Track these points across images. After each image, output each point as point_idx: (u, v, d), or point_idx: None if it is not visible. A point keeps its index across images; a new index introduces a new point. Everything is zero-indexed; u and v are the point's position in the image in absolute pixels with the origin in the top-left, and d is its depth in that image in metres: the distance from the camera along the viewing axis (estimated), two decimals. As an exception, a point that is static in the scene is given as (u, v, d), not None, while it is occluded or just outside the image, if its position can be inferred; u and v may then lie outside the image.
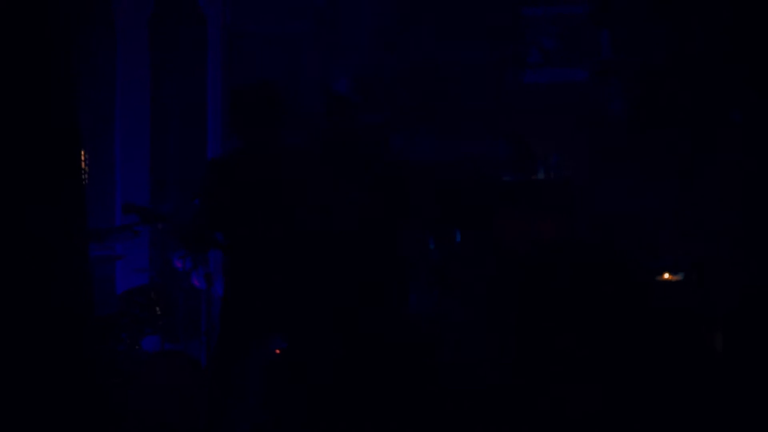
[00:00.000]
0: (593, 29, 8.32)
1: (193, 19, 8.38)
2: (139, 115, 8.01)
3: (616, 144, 7.82)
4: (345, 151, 6.19)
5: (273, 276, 5.23)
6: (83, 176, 3.53)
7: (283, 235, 5.20)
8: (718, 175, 7.57)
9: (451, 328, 6.18)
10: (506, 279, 5.72)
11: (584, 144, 8.00)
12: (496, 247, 6.03)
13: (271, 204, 5.20)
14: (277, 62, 8.47)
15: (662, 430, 4.44)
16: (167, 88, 8.22)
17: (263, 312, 5.25)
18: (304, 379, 5.45)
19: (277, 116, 5.28)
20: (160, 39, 8.18)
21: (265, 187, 5.22)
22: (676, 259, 7.05)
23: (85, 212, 3.46)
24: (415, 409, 5.07)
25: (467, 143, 7.68)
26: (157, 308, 6.33)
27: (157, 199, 7.86)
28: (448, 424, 5.01)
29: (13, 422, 3.11)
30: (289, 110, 5.33)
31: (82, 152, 3.51)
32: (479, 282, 6.05)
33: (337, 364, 5.39)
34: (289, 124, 5.33)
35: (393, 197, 6.02)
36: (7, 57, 3.13)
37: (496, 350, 5.53)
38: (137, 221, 6.45)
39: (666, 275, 6.95)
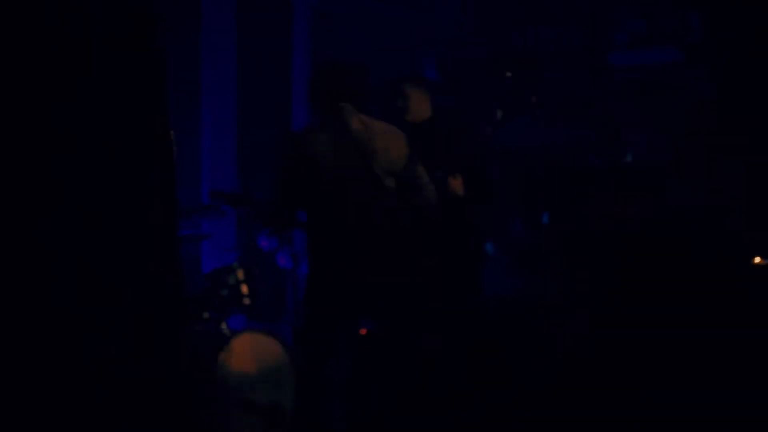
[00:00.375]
0: (683, 10, 8.21)
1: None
2: (226, 94, 8.04)
3: (706, 127, 7.71)
4: (430, 129, 6.17)
5: (354, 255, 5.17)
6: (173, 155, 3.54)
7: (365, 213, 5.13)
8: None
9: (536, 309, 6.15)
10: (594, 261, 5.67)
11: (673, 127, 7.90)
12: (585, 230, 5.98)
13: (350, 181, 5.11)
14: (363, 44, 8.47)
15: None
16: (253, 67, 8.25)
17: (346, 292, 5.20)
18: (391, 360, 5.42)
19: (354, 94, 5.19)
20: (246, 20, 8.20)
21: (344, 164, 5.14)
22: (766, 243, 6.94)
23: (175, 192, 3.48)
24: (497, 389, 5.03)
25: (556, 127, 7.62)
26: (244, 287, 6.35)
27: (244, 180, 7.89)
28: (532, 406, 4.98)
29: (107, 400, 3.14)
30: (369, 89, 5.23)
31: (171, 132, 3.53)
32: (566, 264, 6.00)
33: (422, 343, 5.37)
34: (369, 103, 5.24)
35: (475, 180, 5.97)
36: (108, 34, 3.15)
37: (580, 332, 5.48)
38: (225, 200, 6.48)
39: (758, 259, 6.84)
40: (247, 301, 6.34)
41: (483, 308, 5.78)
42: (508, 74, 5.64)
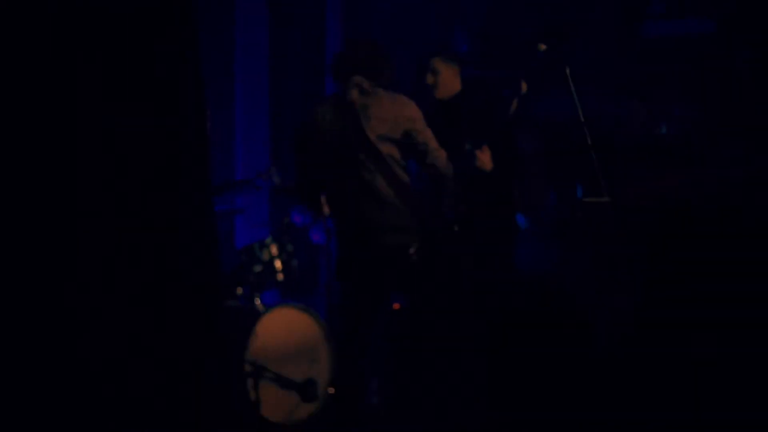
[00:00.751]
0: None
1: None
2: (259, 70, 8.03)
3: (744, 100, 7.63)
4: (458, 104, 6.14)
5: (351, 221, 5.22)
6: (207, 130, 3.53)
7: (357, 177, 5.17)
8: None
9: (572, 282, 6.12)
10: (631, 235, 5.62)
11: (709, 98, 7.82)
12: (620, 202, 5.92)
13: (342, 146, 5.17)
14: (397, 19, 8.43)
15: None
16: (286, 44, 8.23)
17: (368, 267, 5.21)
18: (422, 334, 5.41)
19: (366, 67, 5.23)
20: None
21: (337, 130, 5.20)
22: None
23: (208, 167, 3.47)
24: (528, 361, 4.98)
25: (589, 99, 7.57)
26: (277, 263, 6.35)
27: (277, 156, 7.89)
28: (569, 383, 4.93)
29: (143, 371, 3.14)
30: (383, 63, 5.27)
31: (206, 108, 3.52)
32: (602, 237, 5.95)
33: (453, 317, 5.35)
34: (388, 76, 5.26)
35: (503, 152, 5.94)
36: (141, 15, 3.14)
37: (618, 307, 5.44)
38: (258, 175, 6.49)
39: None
40: (280, 276, 6.35)
41: (516, 284, 5.75)
42: (542, 47, 5.57)
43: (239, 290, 6.32)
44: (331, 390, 5.88)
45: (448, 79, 6.13)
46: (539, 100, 7.18)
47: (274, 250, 6.36)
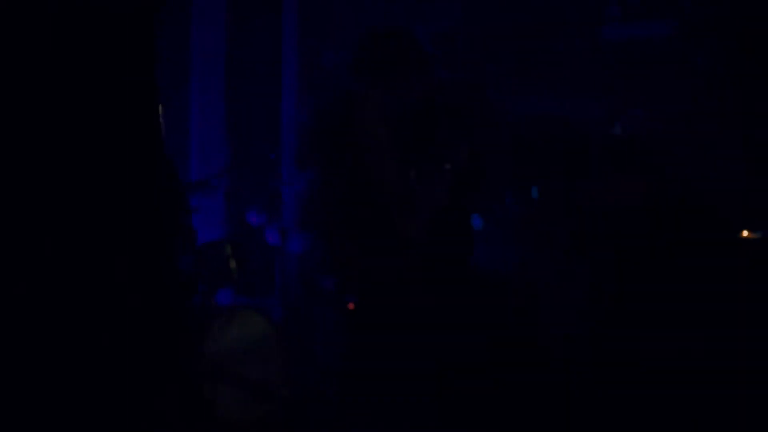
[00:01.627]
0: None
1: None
2: (214, 70, 7.99)
3: (701, 101, 7.67)
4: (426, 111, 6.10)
5: (341, 231, 5.17)
6: (161, 129, 3.49)
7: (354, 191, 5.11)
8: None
9: (528, 282, 6.10)
10: (586, 235, 5.62)
11: (667, 101, 7.86)
12: (576, 202, 5.92)
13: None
14: (357, 15, 8.40)
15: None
16: (242, 46, 8.20)
17: (337, 266, 5.18)
18: (378, 335, 5.38)
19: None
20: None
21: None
22: (756, 216, 6.92)
23: (163, 166, 3.43)
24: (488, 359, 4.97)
25: (547, 100, 7.59)
26: (232, 263, 6.31)
27: (234, 154, 7.83)
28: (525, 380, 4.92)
29: (109, 372, 3.10)
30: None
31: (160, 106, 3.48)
32: (558, 237, 5.95)
33: (411, 315, 5.32)
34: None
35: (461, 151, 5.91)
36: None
37: (574, 306, 5.44)
38: (213, 175, 6.45)
39: (745, 233, 6.82)
40: (235, 276, 6.31)
41: (472, 282, 5.72)
42: (502, 48, 5.57)
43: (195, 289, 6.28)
44: (285, 391, 5.85)
45: None
46: (496, 100, 7.18)
47: (228, 250, 6.32)
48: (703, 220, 5.13)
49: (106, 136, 3.13)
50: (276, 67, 8.34)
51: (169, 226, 3.27)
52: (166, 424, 3.22)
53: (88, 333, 3.04)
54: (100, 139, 3.11)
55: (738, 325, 4.42)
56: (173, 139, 7.45)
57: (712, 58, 7.63)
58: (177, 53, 7.77)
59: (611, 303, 4.73)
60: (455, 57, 7.70)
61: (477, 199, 6.30)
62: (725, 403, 4.31)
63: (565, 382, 4.74)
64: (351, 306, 6.12)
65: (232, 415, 5.88)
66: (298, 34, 8.43)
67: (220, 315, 5.97)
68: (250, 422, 5.95)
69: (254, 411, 5.98)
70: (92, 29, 3.10)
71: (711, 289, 4.52)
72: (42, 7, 2.98)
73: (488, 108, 6.28)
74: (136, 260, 3.15)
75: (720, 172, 6.97)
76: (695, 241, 4.85)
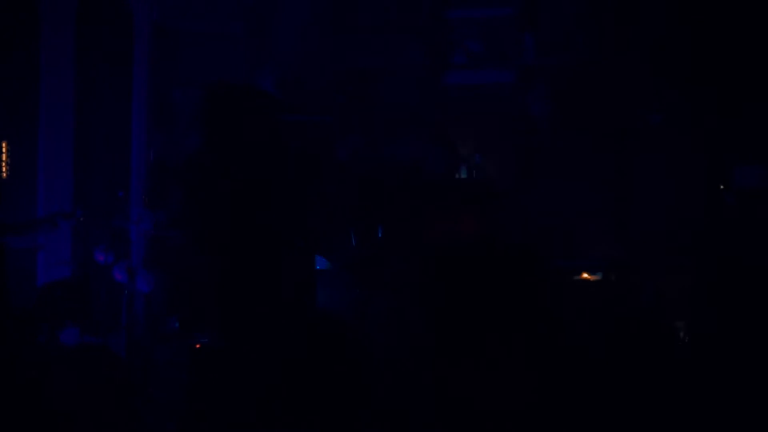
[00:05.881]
0: (517, 32, 8.42)
1: (121, 13, 8.32)
2: (63, 107, 7.92)
3: (539, 146, 7.94)
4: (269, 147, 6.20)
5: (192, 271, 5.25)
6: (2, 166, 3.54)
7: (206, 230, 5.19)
8: (639, 177, 7.74)
9: (372, 321, 6.23)
10: (427, 274, 5.77)
11: (507, 145, 8.12)
12: (418, 242, 6.10)
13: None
14: (206, 61, 8.45)
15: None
16: (92, 83, 8.15)
17: (187, 306, 5.26)
18: (227, 373, 5.45)
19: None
20: (86, 32, 8.10)
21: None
22: (596, 259, 7.19)
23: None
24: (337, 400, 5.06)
25: (393, 143, 7.73)
26: (78, 301, 6.32)
27: (82, 192, 7.78)
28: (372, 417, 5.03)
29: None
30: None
31: (4, 144, 3.53)
32: (401, 276, 6.10)
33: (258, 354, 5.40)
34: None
35: (310, 192, 6.02)
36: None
37: (416, 344, 5.58)
38: (58, 213, 6.45)
39: (584, 275, 7.08)
40: (81, 314, 6.31)
41: (313, 321, 5.83)
42: (346, 92, 5.71)
43: (39, 327, 6.25)
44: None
45: None
46: (343, 143, 7.33)
47: (75, 288, 6.33)
48: (532, 261, 5.33)
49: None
50: (126, 104, 8.32)
51: None
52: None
53: None
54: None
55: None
56: (19, 176, 7.40)
57: (547, 105, 7.92)
58: (26, 90, 7.72)
59: (440, 343, 4.88)
60: (302, 101, 7.83)
61: (323, 240, 6.43)
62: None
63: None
64: (198, 346, 6.19)
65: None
66: (148, 72, 8.43)
67: (64, 353, 5.97)
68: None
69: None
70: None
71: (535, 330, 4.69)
72: None
73: (333, 150, 6.43)
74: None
75: (554, 212, 7.23)
76: (515, 281, 5.02)
